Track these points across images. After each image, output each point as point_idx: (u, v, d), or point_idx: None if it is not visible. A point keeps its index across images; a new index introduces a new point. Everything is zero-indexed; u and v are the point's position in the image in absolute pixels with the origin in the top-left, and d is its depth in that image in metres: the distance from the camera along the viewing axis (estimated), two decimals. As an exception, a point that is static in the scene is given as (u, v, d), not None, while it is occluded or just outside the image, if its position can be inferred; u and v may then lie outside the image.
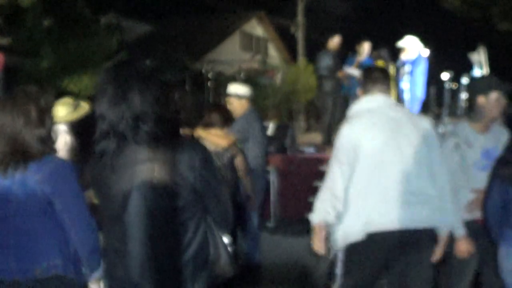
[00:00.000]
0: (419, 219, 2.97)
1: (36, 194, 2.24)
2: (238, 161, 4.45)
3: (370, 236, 2.93)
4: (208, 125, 4.39)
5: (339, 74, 8.97)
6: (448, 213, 3.06)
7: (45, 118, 2.37)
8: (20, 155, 2.28)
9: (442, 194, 3.03)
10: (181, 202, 2.00)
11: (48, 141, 2.36)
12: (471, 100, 3.48)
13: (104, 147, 2.00)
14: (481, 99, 3.34)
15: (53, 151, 2.38)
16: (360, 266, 3.06)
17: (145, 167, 1.96)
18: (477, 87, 3.45)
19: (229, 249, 2.19)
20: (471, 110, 3.47)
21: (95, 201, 2.11)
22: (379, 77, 3.25)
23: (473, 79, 3.43)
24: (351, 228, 2.98)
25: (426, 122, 3.18)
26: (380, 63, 8.72)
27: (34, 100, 2.36)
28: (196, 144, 2.12)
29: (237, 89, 5.06)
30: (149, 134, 1.97)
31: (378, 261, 3.04)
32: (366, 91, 3.24)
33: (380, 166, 2.95)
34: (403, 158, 2.95)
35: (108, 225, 2.06)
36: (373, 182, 2.95)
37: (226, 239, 2.18)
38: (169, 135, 2.02)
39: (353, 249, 3.01)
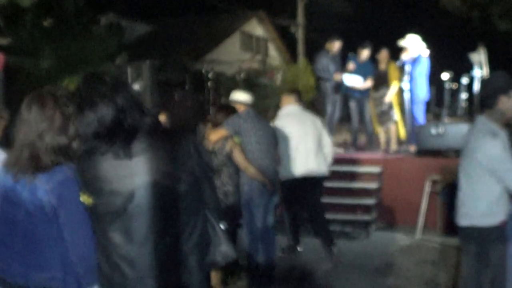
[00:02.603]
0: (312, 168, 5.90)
1: (44, 204, 2.21)
2: (235, 154, 4.62)
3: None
4: (216, 125, 4.67)
5: (335, 78, 8.94)
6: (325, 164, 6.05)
7: (69, 126, 2.30)
8: (32, 163, 2.24)
9: (326, 157, 6.07)
10: (185, 187, 2.07)
11: (65, 150, 2.29)
12: (487, 98, 3.42)
13: (106, 145, 2.02)
14: (503, 99, 3.33)
15: (69, 160, 2.29)
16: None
17: (148, 158, 2.01)
18: (499, 85, 3.39)
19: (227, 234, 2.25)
20: (492, 107, 3.40)
21: (88, 200, 2.08)
22: (294, 93, 6.19)
23: (488, 77, 3.39)
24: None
25: (318, 120, 6.11)
26: (392, 66, 8.70)
27: (61, 106, 2.31)
28: (187, 134, 2.23)
29: (238, 96, 5.32)
30: (149, 127, 2.06)
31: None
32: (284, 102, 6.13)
33: (295, 141, 5.85)
34: (307, 137, 5.87)
35: (107, 222, 2.04)
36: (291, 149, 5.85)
37: (222, 226, 2.22)
38: (163, 127, 2.14)
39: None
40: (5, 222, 2.33)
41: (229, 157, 4.61)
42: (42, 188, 2.21)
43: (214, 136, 4.59)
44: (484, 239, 3.39)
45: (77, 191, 2.21)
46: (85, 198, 2.08)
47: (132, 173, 2.00)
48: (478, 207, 3.39)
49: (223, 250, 2.19)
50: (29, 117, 2.29)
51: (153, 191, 2.00)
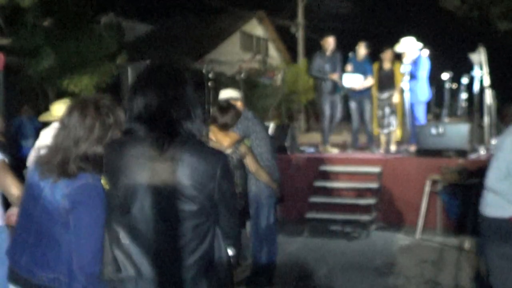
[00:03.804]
0: None
1: (59, 208, 2.23)
2: (248, 160, 4.54)
3: None
4: (223, 126, 4.52)
5: (330, 77, 8.95)
6: None
7: (107, 136, 2.30)
8: (60, 167, 2.26)
9: None
10: (197, 206, 2.01)
11: (99, 160, 2.27)
12: None
13: (141, 129, 2.03)
14: None
15: (98, 170, 2.27)
16: None
17: (169, 166, 1.98)
18: None
19: (232, 261, 2.20)
20: None
21: (106, 187, 2.11)
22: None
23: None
24: None
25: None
26: (398, 66, 8.71)
27: (102, 116, 2.31)
28: (220, 155, 2.14)
29: (230, 94, 5.28)
30: (189, 136, 2.04)
31: None
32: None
33: None
34: None
35: (114, 213, 2.07)
36: None
37: (230, 251, 2.19)
38: (198, 137, 2.08)
39: None
40: (25, 214, 2.37)
41: (241, 161, 4.55)
42: (61, 191, 2.22)
43: (227, 141, 4.44)
44: (487, 229, 3.44)
45: (95, 200, 2.20)
46: (104, 182, 2.11)
47: (148, 175, 1.99)
48: (487, 196, 3.52)
49: (222, 275, 2.15)
50: (69, 123, 2.31)
51: (157, 200, 1.99)
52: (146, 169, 1.99)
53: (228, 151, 4.46)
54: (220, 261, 2.13)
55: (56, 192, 2.23)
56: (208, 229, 2.06)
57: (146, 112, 2.04)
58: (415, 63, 8.36)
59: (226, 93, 5.31)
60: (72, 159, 2.26)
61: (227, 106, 4.61)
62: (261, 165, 4.70)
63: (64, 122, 2.34)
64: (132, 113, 2.07)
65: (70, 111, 2.34)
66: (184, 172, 1.98)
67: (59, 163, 2.27)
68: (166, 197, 1.99)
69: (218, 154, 2.11)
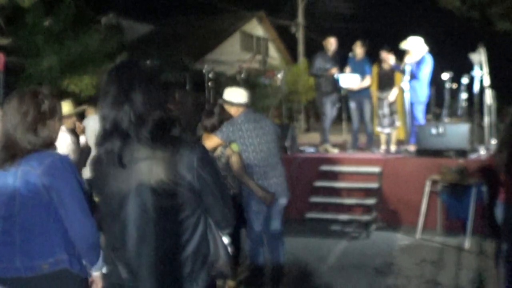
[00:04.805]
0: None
1: (38, 189, 2.28)
2: (232, 163, 4.44)
3: None
4: (204, 129, 4.54)
5: (329, 72, 8.97)
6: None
7: (41, 123, 2.39)
8: (12, 149, 2.34)
9: None
10: (179, 200, 2.02)
11: (39, 143, 2.38)
12: None
13: (108, 147, 2.02)
14: None
15: (51, 148, 2.42)
16: None
17: (144, 166, 1.99)
18: None
19: (229, 249, 2.20)
20: None
21: (96, 199, 2.15)
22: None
23: None
24: None
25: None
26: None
27: (38, 103, 2.40)
28: (195, 145, 2.11)
29: (233, 97, 4.75)
30: (151, 133, 2.00)
31: None
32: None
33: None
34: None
35: (107, 223, 2.10)
36: None
37: (226, 240, 2.18)
38: (169, 134, 2.04)
39: None
40: (3, 219, 2.38)
41: (228, 164, 4.46)
42: (34, 174, 2.29)
43: (209, 144, 4.36)
44: None
45: (71, 171, 2.32)
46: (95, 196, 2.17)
47: (127, 179, 2.01)
48: None
49: (220, 265, 2.16)
50: (8, 110, 2.42)
51: (144, 201, 2.00)
52: (124, 174, 2.01)
53: (216, 154, 4.43)
54: (217, 252, 2.15)
55: (30, 177, 2.29)
56: (197, 221, 2.06)
57: (114, 117, 2.01)
58: (419, 62, 8.35)
59: (229, 96, 4.78)
60: (17, 140, 2.35)
61: (211, 111, 4.56)
62: (245, 170, 4.50)
63: (4, 111, 2.44)
64: (111, 122, 2.03)
65: (10, 99, 2.45)
66: (160, 169, 1.98)
67: (6, 147, 2.36)
68: (147, 197, 2.00)
69: (193, 146, 2.08)
